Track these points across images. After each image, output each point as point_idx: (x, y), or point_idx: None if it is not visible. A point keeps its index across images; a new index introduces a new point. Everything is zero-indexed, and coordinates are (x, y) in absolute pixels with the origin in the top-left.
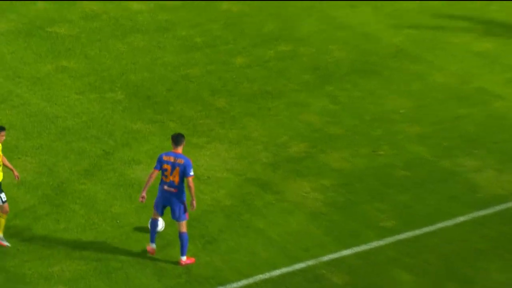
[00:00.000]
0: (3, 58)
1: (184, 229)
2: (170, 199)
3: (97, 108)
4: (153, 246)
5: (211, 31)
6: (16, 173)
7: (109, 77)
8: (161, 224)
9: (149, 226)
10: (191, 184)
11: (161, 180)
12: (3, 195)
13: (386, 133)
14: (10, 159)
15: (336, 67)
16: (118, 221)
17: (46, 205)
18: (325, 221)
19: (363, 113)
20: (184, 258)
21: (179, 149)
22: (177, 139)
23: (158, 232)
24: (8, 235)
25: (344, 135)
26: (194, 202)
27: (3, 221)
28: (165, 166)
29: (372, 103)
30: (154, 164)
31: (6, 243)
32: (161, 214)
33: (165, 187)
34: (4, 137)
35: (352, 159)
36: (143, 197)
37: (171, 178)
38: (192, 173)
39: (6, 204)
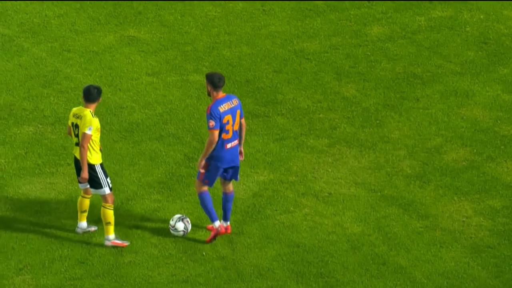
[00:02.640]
0: (47, 25)
1: (232, 186)
2: (235, 155)
3: (177, 96)
4: (219, 223)
5: None
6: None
7: (194, 53)
8: (188, 225)
9: (202, 203)
10: (245, 125)
11: (220, 140)
12: (109, 180)
13: None
14: (56, 164)
15: None
16: (204, 254)
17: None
18: (493, 258)
19: None
20: (228, 224)
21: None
22: (222, 79)
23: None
24: (54, 269)
25: None
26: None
27: (110, 212)
28: (226, 118)
29: None
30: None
31: (121, 242)
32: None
33: (228, 145)
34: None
35: None
36: (205, 167)
37: (233, 128)
38: None
39: (111, 193)
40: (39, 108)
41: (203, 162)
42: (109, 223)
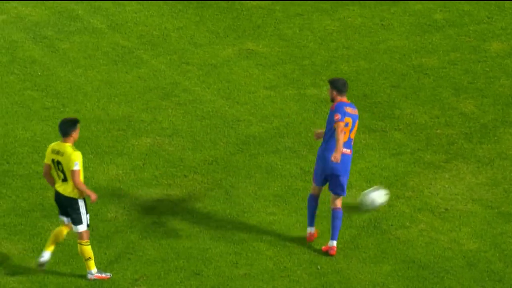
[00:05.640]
0: (166, 37)
1: (340, 204)
2: (340, 163)
3: (294, 110)
4: (310, 230)
5: (456, 4)
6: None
7: (312, 67)
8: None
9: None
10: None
11: (333, 140)
12: (88, 217)
13: None
14: (173, 176)
15: None
16: (319, 267)
17: (221, 242)
18: None
19: None
20: (335, 244)
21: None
22: (346, 85)
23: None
24: (170, 280)
25: None
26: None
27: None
28: (347, 119)
29: None
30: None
31: (104, 275)
32: (322, 184)
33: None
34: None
35: None
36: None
37: (350, 134)
38: None
39: (87, 230)
40: (157, 120)
41: (339, 154)
42: (89, 258)
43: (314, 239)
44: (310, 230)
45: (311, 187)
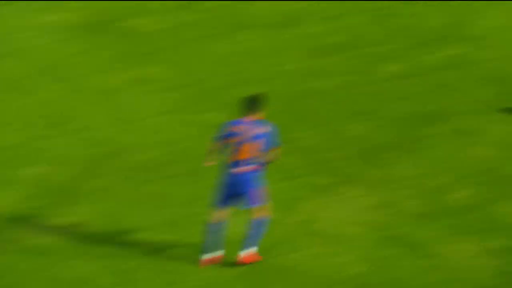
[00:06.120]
0: (58, 63)
1: (261, 213)
2: (241, 183)
3: (188, 135)
4: (209, 256)
5: (351, 27)
6: None
7: (206, 91)
8: None
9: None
10: (279, 156)
11: (230, 160)
12: None
13: None
14: (63, 205)
15: None
16: None
17: (108, 272)
18: None
19: None
20: (252, 251)
21: (256, 116)
22: (250, 105)
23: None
24: None
25: None
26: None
27: None
28: (237, 139)
29: None
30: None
31: None
32: (226, 206)
33: (234, 169)
34: None
35: None
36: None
37: (246, 154)
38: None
39: None
40: (47, 148)
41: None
42: None
43: (213, 264)
44: (209, 255)
45: (212, 214)
